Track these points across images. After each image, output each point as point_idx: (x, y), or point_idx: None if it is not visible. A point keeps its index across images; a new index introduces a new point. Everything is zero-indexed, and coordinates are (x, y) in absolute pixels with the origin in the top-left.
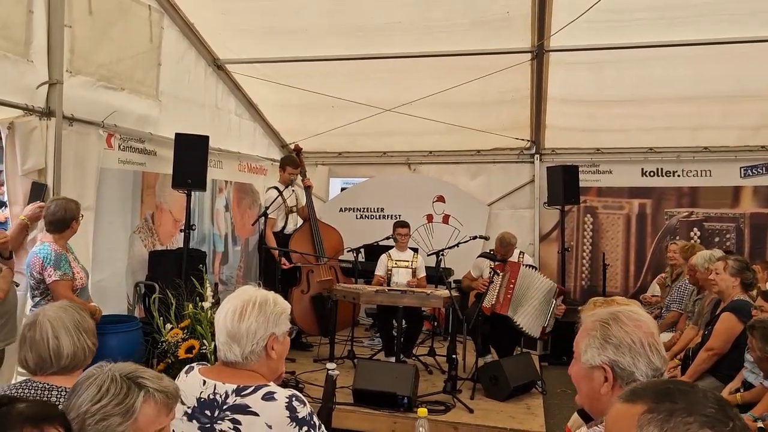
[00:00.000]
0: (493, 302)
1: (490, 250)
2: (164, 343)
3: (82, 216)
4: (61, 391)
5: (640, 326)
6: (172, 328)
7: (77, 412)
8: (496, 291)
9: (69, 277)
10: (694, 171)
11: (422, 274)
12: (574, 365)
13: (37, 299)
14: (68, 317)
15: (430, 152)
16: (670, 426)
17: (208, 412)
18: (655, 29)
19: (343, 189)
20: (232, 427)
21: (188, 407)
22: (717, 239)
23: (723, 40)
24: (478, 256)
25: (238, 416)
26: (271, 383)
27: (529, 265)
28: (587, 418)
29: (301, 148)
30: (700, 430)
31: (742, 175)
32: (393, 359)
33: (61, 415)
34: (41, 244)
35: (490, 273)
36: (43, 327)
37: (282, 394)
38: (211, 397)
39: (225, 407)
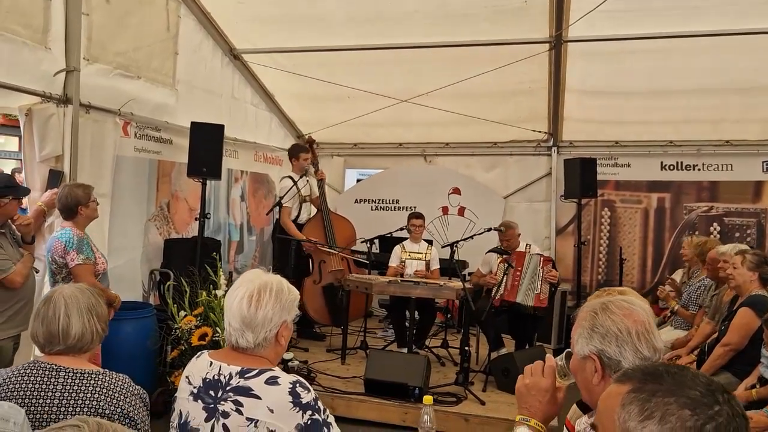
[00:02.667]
0: (502, 291)
1: (498, 246)
2: (178, 330)
3: (96, 201)
4: (69, 372)
5: (630, 315)
6: (185, 316)
7: None
8: (504, 281)
9: (91, 262)
10: (715, 165)
11: (436, 266)
12: (572, 357)
13: (60, 284)
14: (83, 298)
15: (447, 144)
16: (650, 405)
17: (212, 392)
18: (675, 19)
19: (358, 180)
20: (234, 409)
21: (194, 387)
22: (737, 235)
23: (745, 31)
24: (487, 252)
25: (240, 398)
26: (276, 368)
27: (537, 254)
28: (585, 408)
29: (314, 140)
30: (679, 411)
31: (765, 170)
32: (405, 350)
33: None
34: (62, 229)
35: (500, 266)
36: (57, 304)
37: (286, 379)
38: (216, 377)
39: (228, 388)
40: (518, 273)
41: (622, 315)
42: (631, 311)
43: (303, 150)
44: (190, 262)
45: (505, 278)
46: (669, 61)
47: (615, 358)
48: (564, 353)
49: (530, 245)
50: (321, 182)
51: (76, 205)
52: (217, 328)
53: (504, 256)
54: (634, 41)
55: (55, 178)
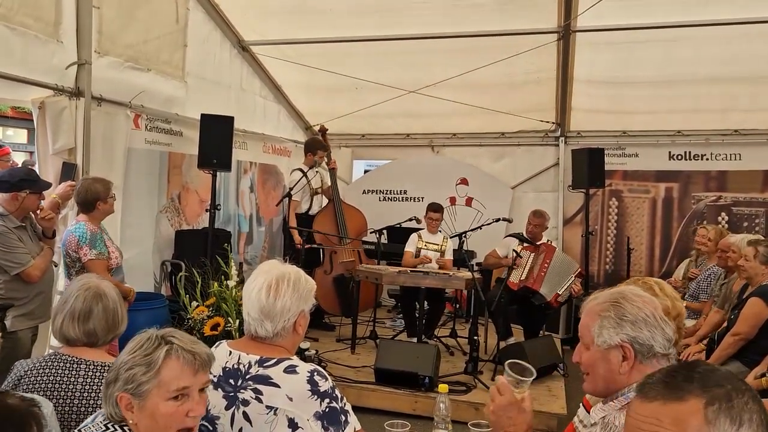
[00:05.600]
0: (523, 278)
1: (520, 232)
2: (190, 321)
3: (114, 197)
4: (90, 364)
5: (646, 301)
6: (197, 306)
7: (116, 364)
8: (527, 268)
9: (104, 257)
10: (723, 154)
11: (449, 257)
12: (584, 352)
13: (74, 278)
14: (116, 289)
15: (454, 134)
16: (735, 411)
17: (231, 381)
18: (684, 8)
19: (366, 171)
20: (254, 397)
21: (214, 376)
22: (745, 224)
23: (754, 20)
24: (507, 236)
25: (260, 386)
26: (294, 357)
27: (575, 263)
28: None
29: (327, 129)
30: (755, 405)
31: None
32: (415, 340)
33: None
34: (77, 223)
35: (513, 254)
36: (110, 296)
37: (304, 368)
38: (235, 366)
39: (248, 377)
40: (546, 264)
41: (642, 302)
42: (645, 298)
43: (322, 147)
44: (202, 253)
45: (528, 266)
46: (677, 51)
47: (647, 343)
48: (506, 364)
49: (550, 241)
50: (333, 172)
51: (95, 200)
52: (229, 319)
53: (526, 245)
54: (642, 31)
55: (68, 170)
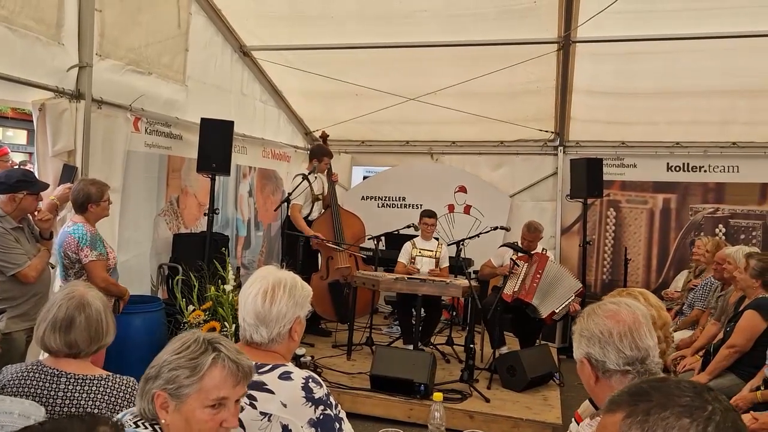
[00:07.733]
0: (516, 289)
1: (515, 242)
2: (186, 324)
3: (108, 201)
4: (70, 377)
5: (613, 316)
6: (194, 310)
7: (159, 361)
8: (520, 278)
9: (104, 258)
10: (722, 167)
11: (445, 264)
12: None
13: (71, 279)
14: (103, 298)
15: (453, 142)
16: (649, 425)
17: None
18: (685, 21)
19: (365, 177)
20: (248, 403)
21: None
22: (743, 236)
23: (754, 33)
24: (501, 246)
25: (254, 392)
26: (289, 363)
27: (577, 281)
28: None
29: (328, 135)
30: (678, 422)
31: None
32: (411, 347)
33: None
34: (74, 224)
35: (510, 263)
36: (94, 305)
37: (299, 374)
38: None
39: None
40: (538, 275)
41: (605, 317)
42: (615, 313)
43: (328, 155)
44: (199, 257)
45: (521, 277)
46: (677, 63)
47: (600, 359)
48: None
49: (546, 249)
50: (333, 184)
51: (86, 202)
52: (226, 323)
53: (520, 255)
54: (642, 42)
55: (68, 172)
